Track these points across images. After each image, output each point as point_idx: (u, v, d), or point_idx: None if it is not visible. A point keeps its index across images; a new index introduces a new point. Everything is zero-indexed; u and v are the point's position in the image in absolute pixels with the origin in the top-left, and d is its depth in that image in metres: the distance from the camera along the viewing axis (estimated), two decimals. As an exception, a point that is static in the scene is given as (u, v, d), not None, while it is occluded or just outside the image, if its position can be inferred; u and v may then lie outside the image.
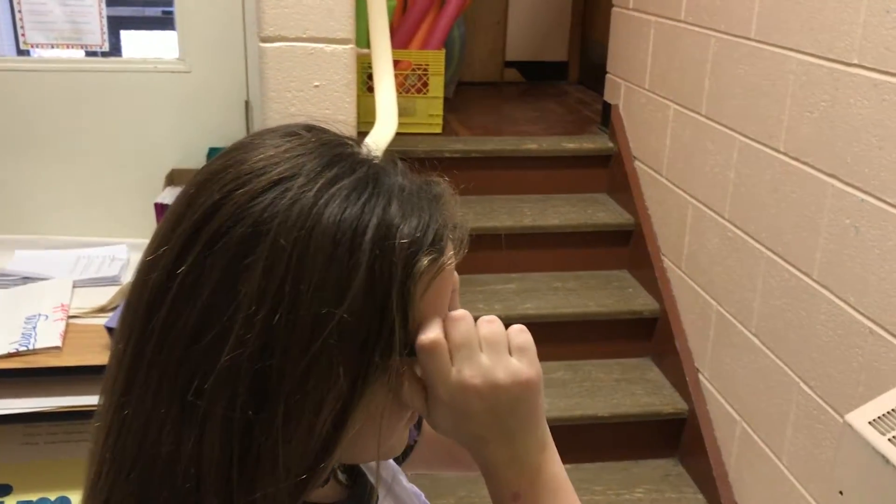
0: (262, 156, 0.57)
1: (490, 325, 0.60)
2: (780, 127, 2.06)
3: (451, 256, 0.59)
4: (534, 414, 0.61)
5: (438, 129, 3.31)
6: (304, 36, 1.89)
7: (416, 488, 0.80)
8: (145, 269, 0.57)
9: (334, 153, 0.58)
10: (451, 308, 0.62)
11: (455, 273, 0.62)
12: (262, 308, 0.52)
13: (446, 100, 3.44)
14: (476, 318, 0.61)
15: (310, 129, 0.61)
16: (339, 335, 0.53)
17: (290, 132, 0.60)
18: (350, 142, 0.61)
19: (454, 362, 0.59)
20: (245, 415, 0.52)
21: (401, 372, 0.58)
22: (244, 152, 0.58)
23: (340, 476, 0.69)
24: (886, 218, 1.69)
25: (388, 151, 0.64)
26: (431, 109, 3.32)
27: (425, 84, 3.32)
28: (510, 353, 0.60)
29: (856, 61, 1.76)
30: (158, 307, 0.55)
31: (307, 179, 0.55)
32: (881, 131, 1.69)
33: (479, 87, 4.38)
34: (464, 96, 4.00)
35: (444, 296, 0.60)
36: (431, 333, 0.58)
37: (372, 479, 0.70)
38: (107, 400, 0.58)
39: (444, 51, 3.37)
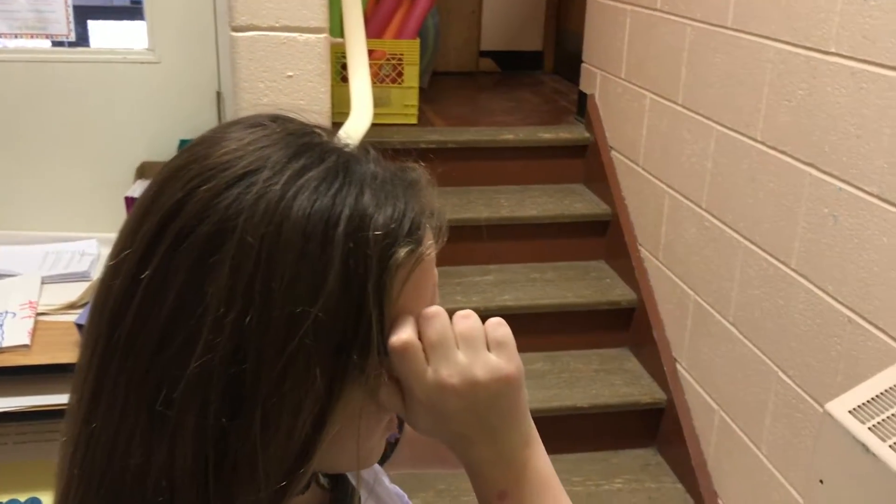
0: (225, 150, 0.54)
1: (466, 320, 0.58)
2: (757, 116, 2.06)
3: (430, 246, 0.56)
4: (516, 409, 0.59)
5: (414, 120, 3.28)
6: (277, 25, 1.85)
7: (398, 489, 0.78)
8: (109, 274, 0.54)
9: (301, 143, 0.55)
10: (432, 303, 0.60)
11: (434, 266, 0.59)
12: (231, 309, 0.50)
13: (421, 90, 3.42)
14: (452, 313, 0.58)
15: (275, 119, 0.58)
16: (315, 334, 0.51)
17: (254, 123, 0.57)
18: (318, 130, 0.58)
19: (430, 362, 0.56)
20: (219, 422, 0.50)
21: (377, 373, 0.55)
22: (207, 147, 0.55)
23: (322, 479, 0.67)
24: (864, 206, 1.69)
25: (363, 142, 0.61)
26: (406, 100, 3.29)
27: (400, 74, 3.29)
28: (488, 349, 0.58)
29: (833, 49, 1.76)
30: (123, 314, 0.52)
31: (273, 172, 0.52)
32: (859, 120, 1.69)
33: (454, 76, 4.36)
34: (439, 86, 3.97)
35: (424, 289, 0.57)
36: (403, 334, 0.55)
37: (353, 481, 0.68)
38: (73, 412, 0.55)
39: (418, 40, 3.34)
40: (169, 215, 0.52)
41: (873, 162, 1.66)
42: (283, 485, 0.52)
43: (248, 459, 0.51)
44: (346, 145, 0.58)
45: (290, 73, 1.88)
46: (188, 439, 0.50)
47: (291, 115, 0.60)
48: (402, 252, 0.53)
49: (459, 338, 0.57)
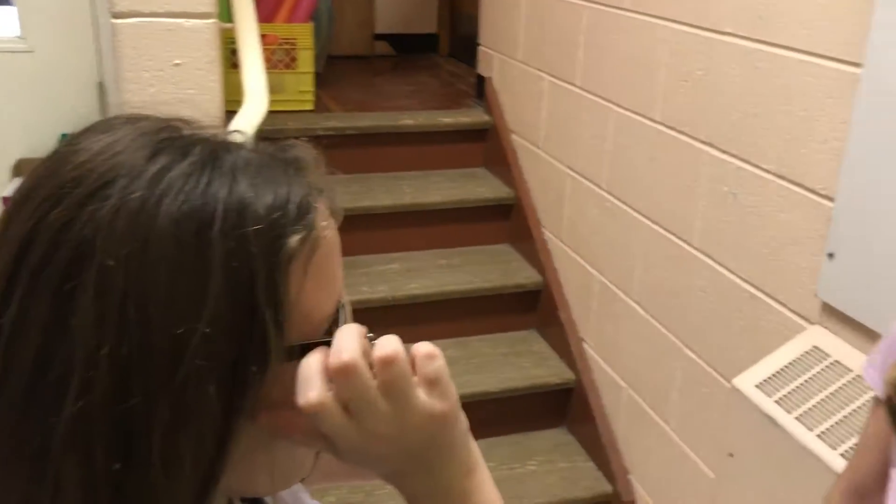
0: (74, 164, 0.48)
1: (389, 368, 0.49)
2: (655, 96, 2.08)
3: (325, 228, 0.51)
4: (454, 443, 0.54)
5: (310, 106, 3.20)
6: (161, 11, 1.75)
7: None
8: None
9: (158, 140, 0.49)
10: (339, 291, 0.54)
11: (338, 247, 0.53)
12: (104, 342, 0.44)
13: (317, 75, 3.33)
14: (373, 338, 0.51)
15: (128, 119, 0.52)
16: (206, 353, 0.45)
17: (105, 129, 0.51)
18: (177, 123, 0.52)
19: (350, 414, 0.49)
20: (109, 468, 0.45)
21: (288, 419, 0.50)
22: (56, 164, 0.49)
23: (236, 502, 0.62)
24: (763, 184, 1.72)
25: (231, 127, 0.55)
26: (301, 86, 3.19)
27: (294, 59, 3.19)
28: (419, 383, 0.51)
29: (729, 30, 1.79)
30: None
31: (130, 179, 0.46)
32: (755, 99, 1.72)
33: (349, 61, 4.27)
34: (334, 71, 3.88)
35: (328, 276, 0.52)
36: (311, 394, 0.48)
37: (270, 501, 0.64)
38: None
39: (312, 24, 3.24)
40: (21, 247, 0.46)
41: (770, 140, 1.69)
42: None
43: (149, 500, 0.46)
44: (213, 133, 0.52)
45: (178, 62, 1.78)
46: (75, 491, 0.45)
47: (148, 111, 0.53)
48: (293, 241, 0.48)
49: (383, 388, 0.49)
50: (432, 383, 0.51)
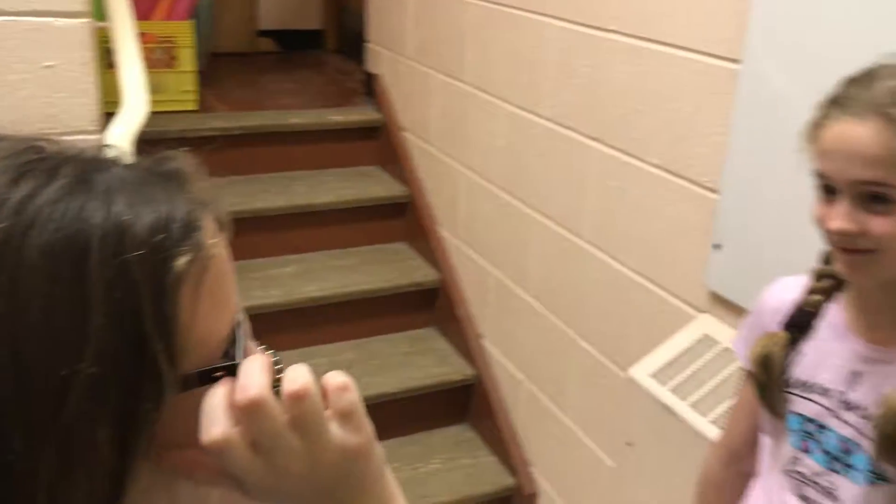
0: None
1: (299, 403, 0.46)
2: (544, 94, 2.11)
3: (214, 245, 0.48)
4: (368, 478, 0.51)
5: (194, 106, 3.09)
6: (28, 9, 1.64)
7: None
8: None
9: (21, 163, 0.45)
10: (234, 308, 0.50)
11: (229, 263, 0.50)
12: None
13: (199, 74, 3.22)
14: (281, 368, 0.48)
15: None
16: (92, 395, 0.42)
17: None
18: (40, 143, 0.48)
19: (259, 451, 0.46)
20: None
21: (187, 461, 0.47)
22: None
23: None
24: (649, 178, 1.77)
25: (102, 142, 0.51)
26: (183, 85, 3.08)
27: (174, 58, 3.08)
28: (332, 417, 0.48)
29: (614, 28, 1.82)
30: None
31: None
32: (641, 95, 1.76)
33: (231, 58, 4.15)
34: (217, 69, 3.76)
35: (222, 296, 0.49)
36: (215, 431, 0.45)
37: None
38: None
39: (192, 21, 3.13)
40: None
41: (655, 135, 1.74)
42: None
43: None
44: (81, 150, 0.48)
45: (50, 63, 1.67)
46: None
47: (8, 130, 0.49)
48: (180, 264, 0.45)
49: (293, 423, 0.46)
50: (346, 416, 0.48)
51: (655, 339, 1.72)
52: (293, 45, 4.46)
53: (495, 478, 2.47)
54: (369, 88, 3.22)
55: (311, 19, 4.49)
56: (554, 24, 2.03)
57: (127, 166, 0.48)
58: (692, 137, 1.64)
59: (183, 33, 3.08)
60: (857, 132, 0.88)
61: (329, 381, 0.49)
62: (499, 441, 2.52)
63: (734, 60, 1.51)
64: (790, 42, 1.38)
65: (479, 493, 2.43)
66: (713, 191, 1.60)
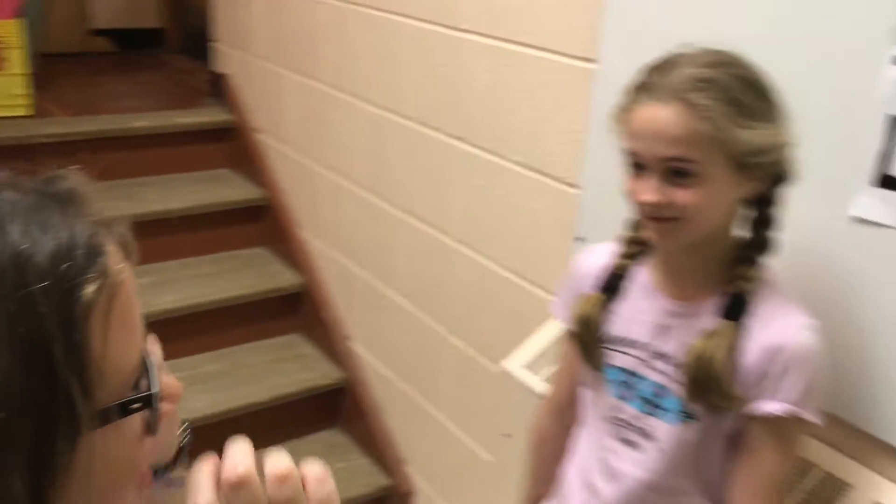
0: None
1: (282, 486, 0.48)
2: (405, 94, 2.11)
3: (121, 270, 0.46)
4: None
5: (27, 111, 2.88)
6: None
7: None
8: None
9: None
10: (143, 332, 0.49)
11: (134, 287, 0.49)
12: None
13: (31, 76, 3.00)
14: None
15: None
16: (1, 441, 0.39)
17: None
18: None
19: None
20: None
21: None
22: None
23: None
24: (512, 175, 1.81)
25: None
26: (14, 88, 2.87)
27: (2, 59, 2.85)
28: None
29: (468, 27, 1.85)
30: None
31: None
32: (500, 94, 1.80)
33: (63, 59, 3.90)
34: (50, 71, 3.52)
35: (132, 323, 0.47)
36: (201, 500, 0.46)
37: None
38: None
39: (20, 20, 2.91)
40: None
41: (516, 133, 1.78)
42: None
43: None
44: None
45: None
46: None
47: None
48: (88, 292, 0.43)
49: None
50: None
51: (526, 331, 1.77)
52: (131, 44, 4.25)
53: (369, 479, 2.46)
54: (217, 89, 3.12)
55: (149, 17, 4.29)
56: (410, 24, 2.04)
57: (13, 187, 0.44)
58: (552, 135, 1.69)
59: (11, 33, 2.86)
60: (662, 115, 0.99)
61: (309, 472, 0.50)
62: (372, 442, 2.51)
63: (590, 60, 1.57)
64: (643, 43, 1.45)
65: (353, 495, 2.42)
66: (574, 186, 1.66)
